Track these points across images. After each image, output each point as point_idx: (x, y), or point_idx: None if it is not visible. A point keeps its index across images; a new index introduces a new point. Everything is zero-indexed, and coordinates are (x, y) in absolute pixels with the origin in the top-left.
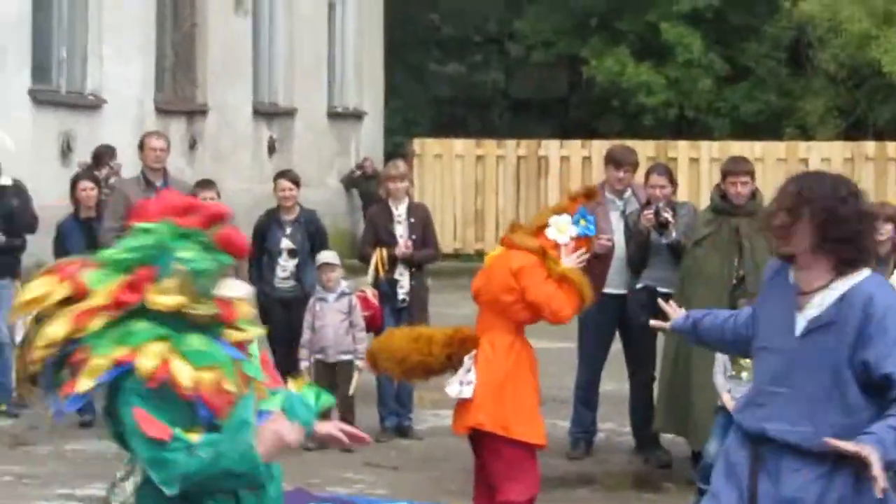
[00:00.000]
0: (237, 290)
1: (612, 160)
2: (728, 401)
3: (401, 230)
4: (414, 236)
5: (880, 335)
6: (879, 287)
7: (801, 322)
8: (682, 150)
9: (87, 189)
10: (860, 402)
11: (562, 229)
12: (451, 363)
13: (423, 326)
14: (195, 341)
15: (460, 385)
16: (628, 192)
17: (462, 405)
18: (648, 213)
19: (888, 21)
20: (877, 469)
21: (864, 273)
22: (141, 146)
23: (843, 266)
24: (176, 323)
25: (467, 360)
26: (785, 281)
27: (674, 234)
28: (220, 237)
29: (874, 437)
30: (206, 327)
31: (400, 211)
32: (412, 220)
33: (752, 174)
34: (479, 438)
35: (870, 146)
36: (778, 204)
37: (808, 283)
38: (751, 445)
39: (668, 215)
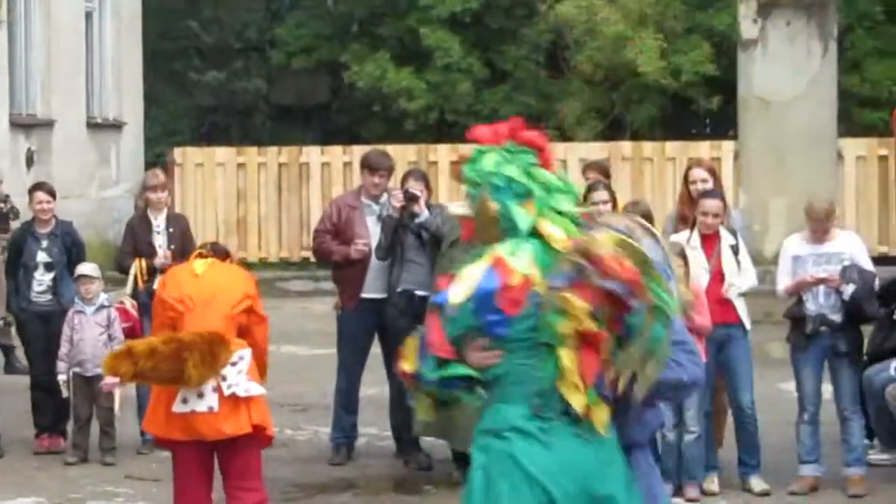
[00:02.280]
0: None
1: (367, 165)
2: None
3: (160, 240)
4: (173, 246)
5: None
6: None
7: None
8: (442, 153)
9: None
10: None
11: None
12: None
13: None
14: None
15: (248, 382)
16: (384, 197)
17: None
18: (397, 193)
19: (643, 22)
20: None
21: None
22: None
23: None
24: None
25: (246, 355)
26: None
27: (425, 213)
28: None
29: None
30: None
31: (159, 221)
32: (171, 229)
33: None
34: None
35: (626, 146)
36: None
37: None
38: None
39: (416, 192)
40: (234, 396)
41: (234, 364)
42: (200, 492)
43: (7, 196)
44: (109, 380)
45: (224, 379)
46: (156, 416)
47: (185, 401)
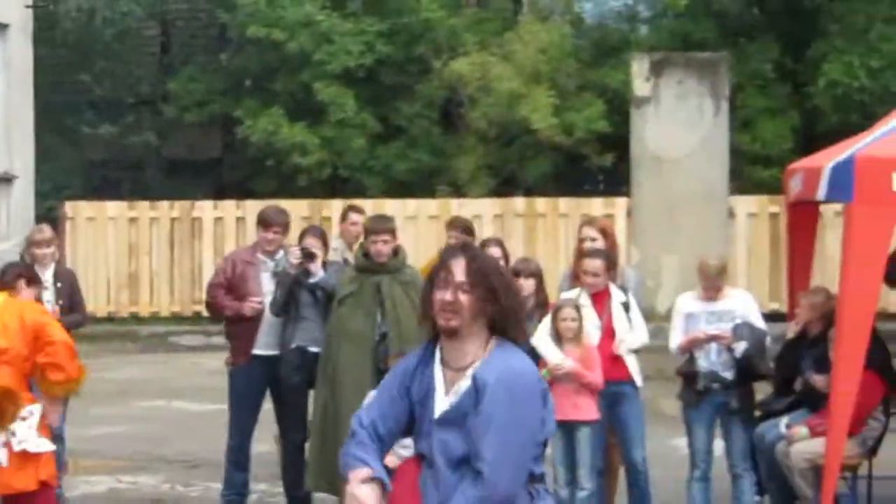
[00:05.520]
0: None
1: (262, 221)
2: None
3: (48, 295)
4: (61, 301)
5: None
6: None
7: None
8: (335, 208)
9: None
10: None
11: None
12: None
13: None
14: None
15: (38, 438)
16: (280, 254)
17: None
18: (294, 250)
19: (536, 79)
20: None
21: (498, 350)
22: None
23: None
24: None
25: (36, 410)
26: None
27: (321, 272)
28: None
29: None
30: None
31: (46, 276)
32: (59, 284)
33: (393, 232)
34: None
35: (519, 202)
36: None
37: (459, 358)
38: None
39: (314, 250)
40: (24, 452)
41: (24, 419)
42: None
43: None
44: None
45: (14, 434)
46: None
47: None
